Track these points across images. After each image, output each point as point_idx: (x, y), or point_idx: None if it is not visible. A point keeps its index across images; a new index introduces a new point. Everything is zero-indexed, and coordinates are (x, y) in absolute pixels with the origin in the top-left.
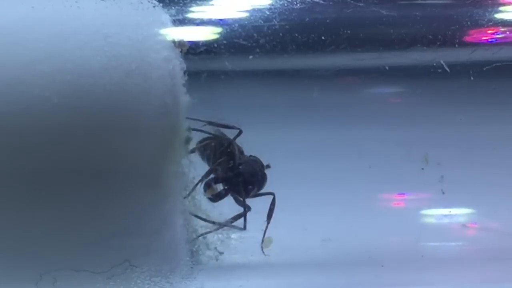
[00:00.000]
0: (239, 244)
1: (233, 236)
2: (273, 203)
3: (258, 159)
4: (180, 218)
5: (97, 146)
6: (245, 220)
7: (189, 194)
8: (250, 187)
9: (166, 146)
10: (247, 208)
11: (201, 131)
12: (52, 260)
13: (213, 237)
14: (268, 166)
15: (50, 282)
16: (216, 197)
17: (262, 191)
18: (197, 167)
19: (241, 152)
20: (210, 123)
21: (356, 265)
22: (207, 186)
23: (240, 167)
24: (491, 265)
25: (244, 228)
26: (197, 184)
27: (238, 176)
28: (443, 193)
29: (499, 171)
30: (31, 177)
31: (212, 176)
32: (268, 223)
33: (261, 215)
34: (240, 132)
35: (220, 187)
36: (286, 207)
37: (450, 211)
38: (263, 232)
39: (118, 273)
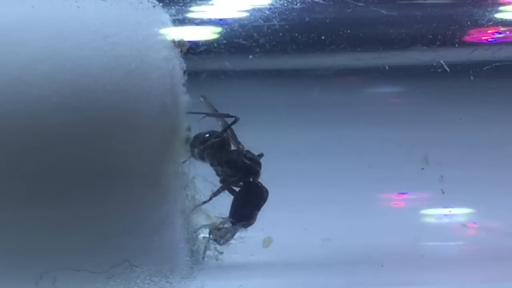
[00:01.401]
0: (239, 244)
1: None
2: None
3: (255, 155)
4: (180, 218)
5: (97, 146)
6: None
7: (193, 203)
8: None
9: (166, 146)
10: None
11: (199, 113)
12: (52, 260)
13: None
14: (261, 155)
15: (50, 282)
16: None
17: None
18: (197, 167)
19: (239, 144)
20: (208, 115)
21: (356, 265)
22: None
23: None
24: (491, 265)
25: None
26: (205, 202)
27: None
28: (443, 193)
29: (499, 171)
30: (30, 177)
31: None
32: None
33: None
34: (236, 119)
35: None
36: (286, 207)
37: (450, 211)
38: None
39: (118, 273)
